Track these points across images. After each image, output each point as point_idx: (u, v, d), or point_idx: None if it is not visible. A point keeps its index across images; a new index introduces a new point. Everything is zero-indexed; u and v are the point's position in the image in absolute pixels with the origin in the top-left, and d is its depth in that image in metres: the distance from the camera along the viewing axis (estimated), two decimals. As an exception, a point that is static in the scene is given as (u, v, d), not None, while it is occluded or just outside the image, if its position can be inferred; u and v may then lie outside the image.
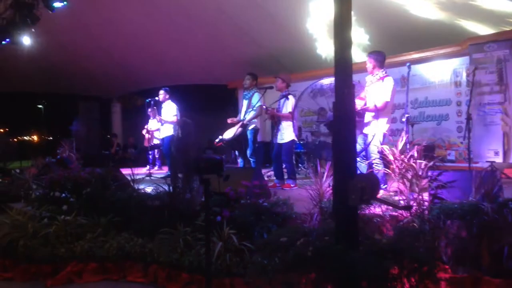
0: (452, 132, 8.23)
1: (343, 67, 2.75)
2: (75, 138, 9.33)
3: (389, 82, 5.34)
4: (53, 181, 5.25)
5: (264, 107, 6.86)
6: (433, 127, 8.57)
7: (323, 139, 8.66)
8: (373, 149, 5.30)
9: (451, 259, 3.60)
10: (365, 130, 5.54)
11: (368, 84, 5.60)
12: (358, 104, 5.43)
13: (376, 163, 5.31)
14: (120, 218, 4.74)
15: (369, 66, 5.49)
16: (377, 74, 5.43)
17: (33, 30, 7.70)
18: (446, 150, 8.29)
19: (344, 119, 2.73)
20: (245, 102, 7.01)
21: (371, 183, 2.69)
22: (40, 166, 6.80)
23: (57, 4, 6.89)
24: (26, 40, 7.95)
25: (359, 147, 5.52)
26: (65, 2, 6.85)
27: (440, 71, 8.47)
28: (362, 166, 5.58)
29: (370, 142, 5.36)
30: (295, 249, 2.64)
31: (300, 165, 9.37)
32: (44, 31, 8.26)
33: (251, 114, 6.80)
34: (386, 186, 5.21)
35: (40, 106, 21.89)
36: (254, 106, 6.76)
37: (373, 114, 5.40)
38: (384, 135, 5.39)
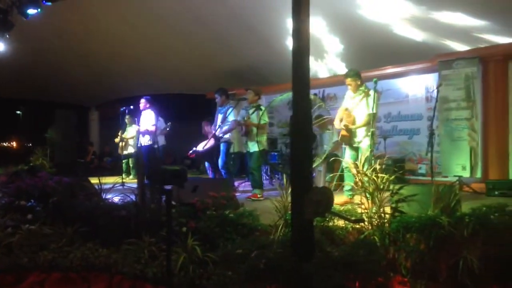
0: (423, 146, 8.32)
1: (300, 81, 2.81)
2: (49, 146, 9.21)
3: (374, 96, 5.66)
4: (19, 189, 5.18)
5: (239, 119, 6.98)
6: (405, 141, 8.73)
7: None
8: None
9: (410, 272, 3.68)
10: (356, 144, 5.74)
11: (349, 102, 5.92)
12: (348, 120, 5.76)
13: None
14: (86, 228, 4.70)
15: (354, 84, 5.82)
16: (360, 90, 5.78)
17: (7, 36, 7.63)
18: (417, 163, 8.43)
19: (300, 133, 2.78)
20: (219, 116, 7.08)
21: (326, 196, 2.74)
22: (9, 174, 6.70)
23: (31, 11, 6.82)
24: (0, 46, 7.88)
25: (352, 160, 5.73)
26: (39, 9, 6.80)
27: (413, 86, 8.65)
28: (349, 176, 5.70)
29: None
30: (248, 262, 2.68)
31: (276, 175, 9.43)
32: (22, 37, 8.21)
33: (225, 128, 6.89)
34: None
35: (19, 112, 21.50)
36: (229, 121, 6.85)
37: (364, 128, 5.69)
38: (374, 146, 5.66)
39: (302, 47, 2.84)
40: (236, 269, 3.00)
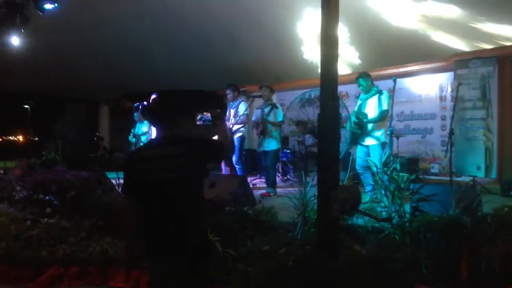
0: (436, 146, 8.34)
1: (329, 80, 2.80)
2: (61, 140, 9.23)
3: (387, 95, 5.80)
4: (37, 183, 5.20)
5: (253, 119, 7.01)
6: (418, 140, 8.68)
7: (310, 149, 8.73)
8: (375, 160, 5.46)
9: (431, 271, 3.66)
10: (367, 142, 5.82)
11: (362, 101, 5.99)
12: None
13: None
14: (104, 222, 4.72)
15: (367, 85, 5.92)
16: (373, 90, 5.89)
17: (22, 30, 7.65)
18: (430, 163, 8.39)
19: (328, 131, 2.78)
20: (232, 111, 7.07)
21: (353, 195, 2.74)
22: (24, 167, 6.73)
23: (48, 6, 6.83)
24: (15, 40, 7.89)
25: (359, 159, 5.86)
26: (56, 4, 6.81)
27: (426, 86, 8.59)
28: (366, 176, 5.73)
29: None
30: (277, 258, 2.68)
31: (287, 174, 9.44)
32: (33, 31, 8.21)
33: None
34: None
35: (27, 106, 21.52)
36: (240, 115, 6.82)
37: (375, 126, 5.79)
38: (385, 145, 5.74)
39: (331, 47, 2.83)
40: (260, 266, 2.99)
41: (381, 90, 5.84)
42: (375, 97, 5.81)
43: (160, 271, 2.31)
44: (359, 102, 6.13)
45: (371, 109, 5.84)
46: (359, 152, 6.01)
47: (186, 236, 2.31)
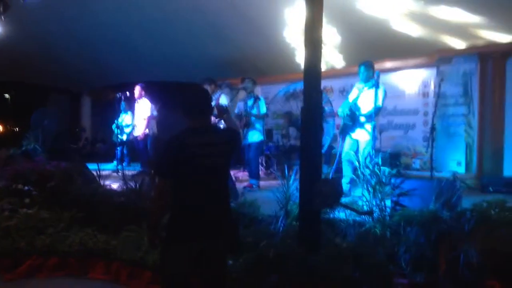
0: (418, 141, 8.41)
1: (313, 73, 2.80)
2: (40, 130, 9.07)
3: (383, 90, 5.56)
4: (16, 173, 5.13)
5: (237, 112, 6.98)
6: (400, 136, 8.73)
7: (293, 142, 8.74)
8: (364, 154, 5.34)
9: (410, 265, 3.71)
10: (356, 136, 5.71)
11: (357, 92, 5.80)
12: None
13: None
14: (84, 213, 4.68)
15: (367, 75, 5.69)
16: (370, 82, 5.63)
17: (2, 19, 7.49)
18: (411, 158, 8.46)
19: (311, 125, 2.78)
20: None
21: (335, 188, 2.74)
22: (3, 157, 6.62)
23: (30, -6, 6.71)
24: (-5, 28, 7.74)
25: (346, 151, 5.71)
26: (37, -7, 6.67)
27: (410, 81, 8.65)
28: (348, 169, 5.65)
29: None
30: (258, 251, 2.68)
31: (271, 167, 9.44)
32: (15, 19, 8.04)
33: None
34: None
35: (7, 95, 21.11)
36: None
37: (365, 120, 5.59)
38: (374, 140, 5.54)
39: (315, 39, 2.83)
40: (241, 258, 2.99)
41: (378, 84, 5.46)
42: (372, 90, 5.52)
43: (200, 250, 2.40)
44: (355, 90, 5.92)
45: (366, 102, 5.63)
46: (346, 144, 5.88)
47: (227, 216, 2.52)
